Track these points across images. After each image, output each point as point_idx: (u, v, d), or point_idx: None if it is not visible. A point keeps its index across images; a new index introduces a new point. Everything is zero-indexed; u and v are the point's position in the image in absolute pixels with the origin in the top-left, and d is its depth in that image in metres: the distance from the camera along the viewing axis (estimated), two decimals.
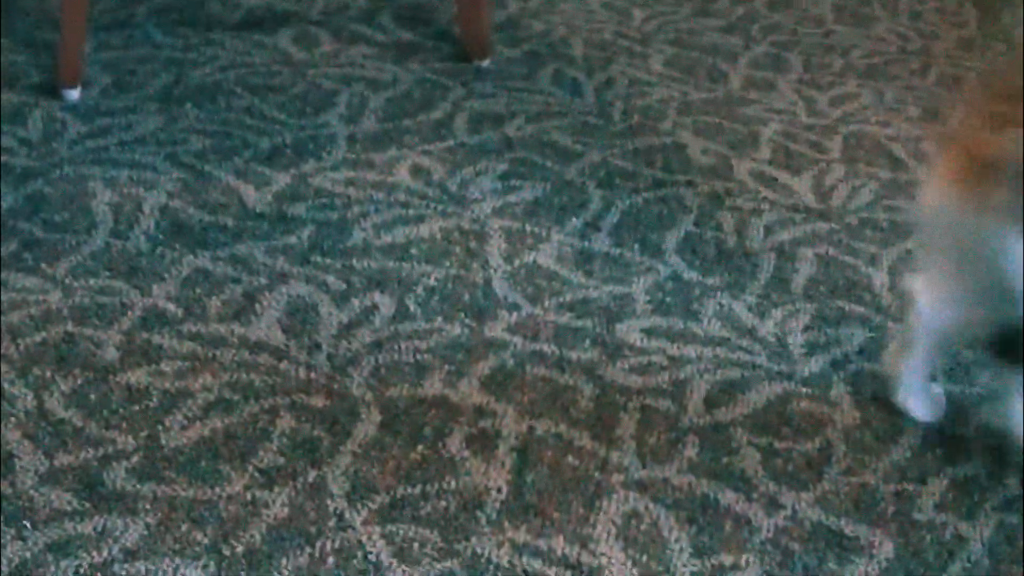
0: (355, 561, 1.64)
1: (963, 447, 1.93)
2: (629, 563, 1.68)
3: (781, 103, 2.92)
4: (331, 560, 1.64)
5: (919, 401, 1.97)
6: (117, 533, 1.65)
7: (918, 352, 1.95)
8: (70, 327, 1.99)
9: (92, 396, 1.86)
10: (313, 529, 1.68)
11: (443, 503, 1.74)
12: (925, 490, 1.84)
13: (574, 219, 2.38)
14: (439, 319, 2.09)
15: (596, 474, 1.81)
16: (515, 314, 2.12)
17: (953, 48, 3.33)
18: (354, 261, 2.20)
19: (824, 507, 1.79)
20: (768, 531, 1.75)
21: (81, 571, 1.59)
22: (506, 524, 1.71)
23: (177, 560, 1.62)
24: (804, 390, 2.01)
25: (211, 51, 2.88)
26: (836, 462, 1.87)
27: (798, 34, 3.30)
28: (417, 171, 2.49)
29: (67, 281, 2.09)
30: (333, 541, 1.66)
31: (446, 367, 1.98)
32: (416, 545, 1.67)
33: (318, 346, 2.00)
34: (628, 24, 3.24)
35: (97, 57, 2.80)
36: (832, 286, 2.27)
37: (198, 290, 2.10)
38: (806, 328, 2.15)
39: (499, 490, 1.76)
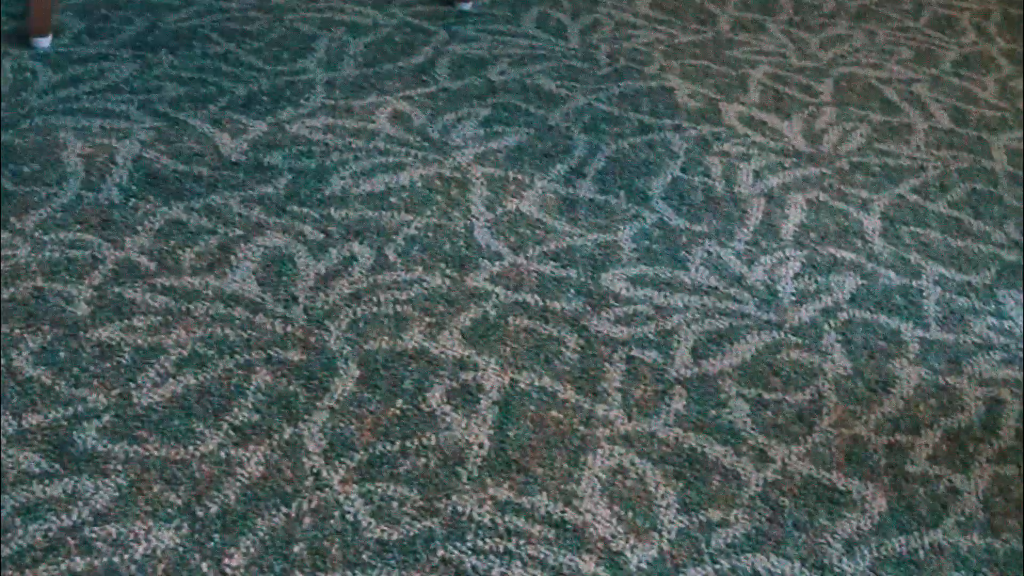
0: (332, 521, 1.59)
1: (957, 398, 1.89)
2: (614, 520, 1.63)
3: (771, 45, 2.87)
4: (308, 520, 1.59)
5: None
6: (87, 495, 1.60)
7: None
8: (39, 282, 1.94)
9: (62, 353, 1.81)
10: (289, 488, 1.63)
11: (423, 460, 1.69)
12: (918, 442, 1.80)
13: (558, 165, 2.33)
14: (419, 269, 2.04)
15: (580, 428, 1.76)
16: (498, 264, 2.07)
17: None
18: (332, 210, 2.15)
19: (815, 460, 1.75)
20: (757, 485, 1.70)
21: (50, 534, 1.55)
22: (488, 481, 1.67)
23: (149, 522, 1.57)
24: (794, 340, 1.97)
25: None
26: (827, 414, 1.83)
27: None
28: (397, 117, 2.43)
29: (37, 235, 2.04)
30: (310, 501, 1.62)
31: (426, 319, 1.93)
32: (395, 504, 1.62)
33: (295, 299, 1.95)
34: None
35: (69, 3, 2.73)
36: (823, 232, 2.22)
37: (172, 242, 2.05)
38: (796, 276, 2.11)
39: (481, 446, 1.72)
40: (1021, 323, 2.05)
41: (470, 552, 1.57)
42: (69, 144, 2.26)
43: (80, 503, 1.59)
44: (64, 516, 1.57)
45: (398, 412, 1.76)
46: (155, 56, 2.57)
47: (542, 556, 1.57)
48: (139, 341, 1.85)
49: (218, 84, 2.48)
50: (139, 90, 2.44)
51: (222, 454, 1.67)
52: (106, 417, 1.71)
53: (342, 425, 1.73)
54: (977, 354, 1.97)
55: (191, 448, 1.68)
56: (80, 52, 2.56)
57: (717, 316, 2.00)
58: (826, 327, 2.00)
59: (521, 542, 1.59)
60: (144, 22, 2.69)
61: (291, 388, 1.78)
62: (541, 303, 1.99)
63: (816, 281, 2.10)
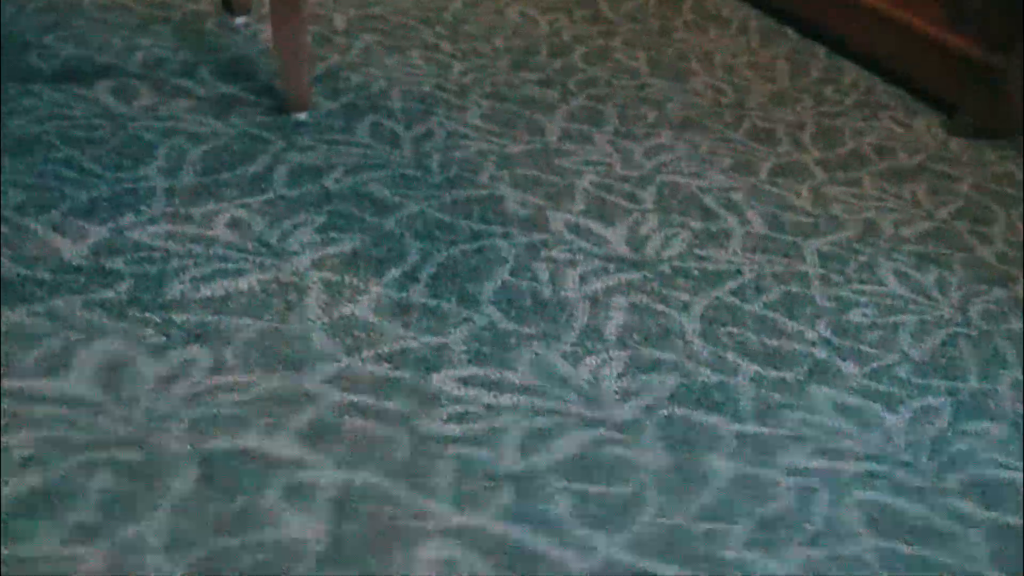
0: None
1: (770, 487, 1.99)
2: None
3: (597, 155, 2.99)
4: None
5: None
6: None
7: None
8: None
9: None
10: None
11: (261, 555, 1.75)
12: (734, 529, 1.90)
13: (392, 271, 2.41)
14: (257, 372, 2.10)
15: (413, 522, 1.84)
16: (333, 366, 2.14)
17: (765, 102, 3.43)
18: (172, 315, 2.21)
19: (637, 549, 1.84)
20: (582, 575, 1.79)
21: None
22: (325, 574, 1.73)
23: None
24: (617, 436, 2.06)
25: (29, 102, 2.87)
26: (648, 505, 1.93)
27: (614, 87, 3.37)
28: (236, 224, 2.50)
29: None
30: None
31: (264, 420, 2.00)
32: None
33: (135, 400, 2.00)
34: (447, 77, 3.29)
35: None
36: (645, 333, 2.33)
37: (14, 345, 2.09)
38: (619, 375, 2.21)
39: (317, 541, 1.78)
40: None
41: None
42: None
43: None
44: None
45: (237, 509, 1.82)
46: None
47: None
48: None
49: (60, 190, 2.53)
50: None
51: (66, 551, 1.71)
52: None
53: (183, 522, 1.78)
54: (789, 446, 2.09)
55: (35, 546, 1.72)
56: None
57: (544, 414, 2.09)
58: (647, 423, 2.10)
59: None
60: None
61: (132, 487, 1.83)
62: (375, 404, 2.06)
63: (638, 380, 2.20)
